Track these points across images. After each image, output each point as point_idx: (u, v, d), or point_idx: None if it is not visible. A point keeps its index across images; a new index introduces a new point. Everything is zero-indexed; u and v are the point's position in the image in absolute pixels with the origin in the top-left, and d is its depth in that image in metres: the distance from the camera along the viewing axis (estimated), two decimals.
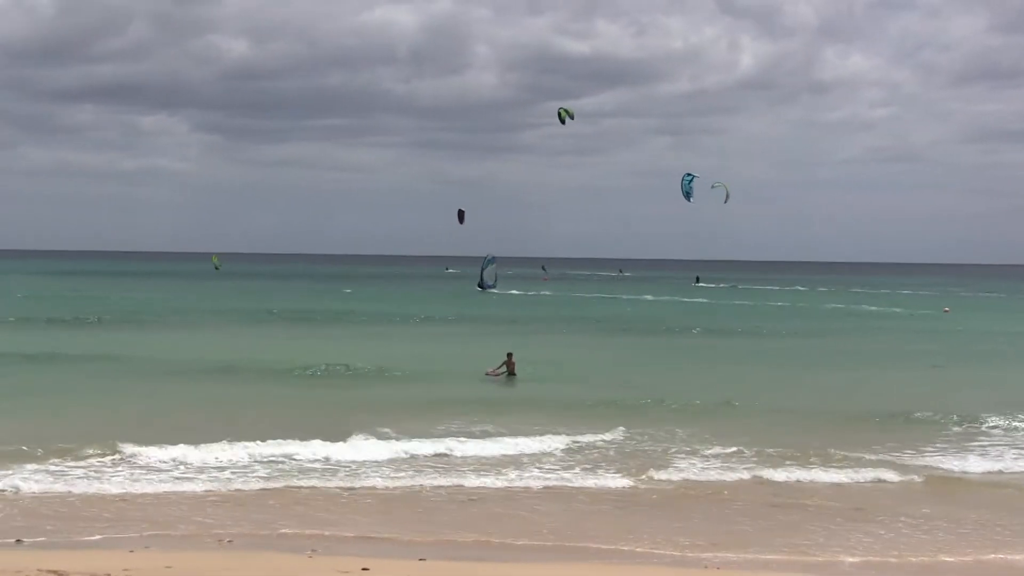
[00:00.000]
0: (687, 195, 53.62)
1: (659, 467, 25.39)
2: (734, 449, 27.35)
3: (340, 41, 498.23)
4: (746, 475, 24.80)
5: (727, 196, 55.68)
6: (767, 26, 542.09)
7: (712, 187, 55.83)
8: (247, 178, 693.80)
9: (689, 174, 53.78)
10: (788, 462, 25.99)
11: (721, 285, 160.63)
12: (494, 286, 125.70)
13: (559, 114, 57.88)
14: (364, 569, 16.07)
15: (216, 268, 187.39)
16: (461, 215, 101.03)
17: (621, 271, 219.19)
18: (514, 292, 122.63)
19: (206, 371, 41.39)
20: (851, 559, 18.56)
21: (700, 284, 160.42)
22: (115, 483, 22.74)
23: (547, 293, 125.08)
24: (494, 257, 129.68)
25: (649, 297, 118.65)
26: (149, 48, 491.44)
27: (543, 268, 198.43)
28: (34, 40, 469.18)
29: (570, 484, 23.90)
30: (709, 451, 27.23)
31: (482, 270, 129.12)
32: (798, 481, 24.47)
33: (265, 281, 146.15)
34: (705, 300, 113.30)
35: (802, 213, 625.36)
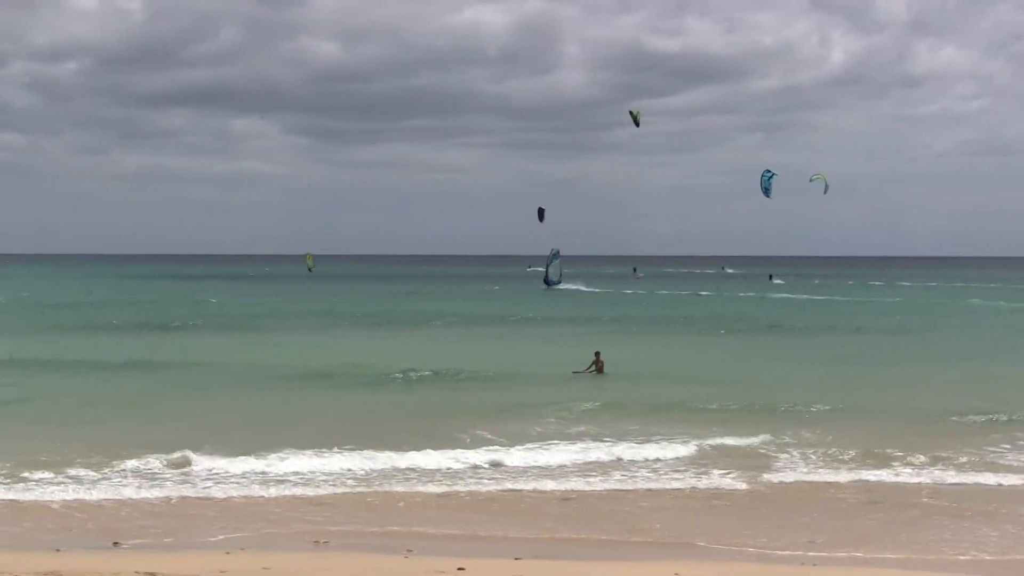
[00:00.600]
0: (766, 191, 53.33)
1: (760, 468, 25.09)
2: (837, 449, 26.95)
3: (430, 42, 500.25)
4: (850, 475, 24.35)
5: (826, 187, 55.07)
6: (858, 21, 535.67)
7: (811, 180, 55.26)
8: (338, 180, 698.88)
9: (768, 171, 53.59)
10: (894, 462, 25.48)
11: (816, 281, 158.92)
12: (559, 282, 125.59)
13: (633, 117, 57.48)
14: (460, 569, 15.93)
15: (309, 270, 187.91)
16: (541, 213, 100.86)
17: (724, 267, 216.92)
18: (582, 288, 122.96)
19: (301, 376, 41.45)
20: (961, 557, 18.14)
21: (775, 281, 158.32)
22: (210, 488, 22.81)
23: (631, 291, 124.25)
24: (558, 252, 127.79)
25: (751, 294, 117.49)
26: (240, 52, 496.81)
27: (634, 269, 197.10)
28: (126, 46, 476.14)
29: (667, 486, 23.63)
30: (812, 451, 26.82)
31: (547, 266, 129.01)
32: (904, 482, 23.93)
33: (356, 283, 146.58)
34: (800, 296, 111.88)
35: (895, 208, 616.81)
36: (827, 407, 33.34)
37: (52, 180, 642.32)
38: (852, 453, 26.44)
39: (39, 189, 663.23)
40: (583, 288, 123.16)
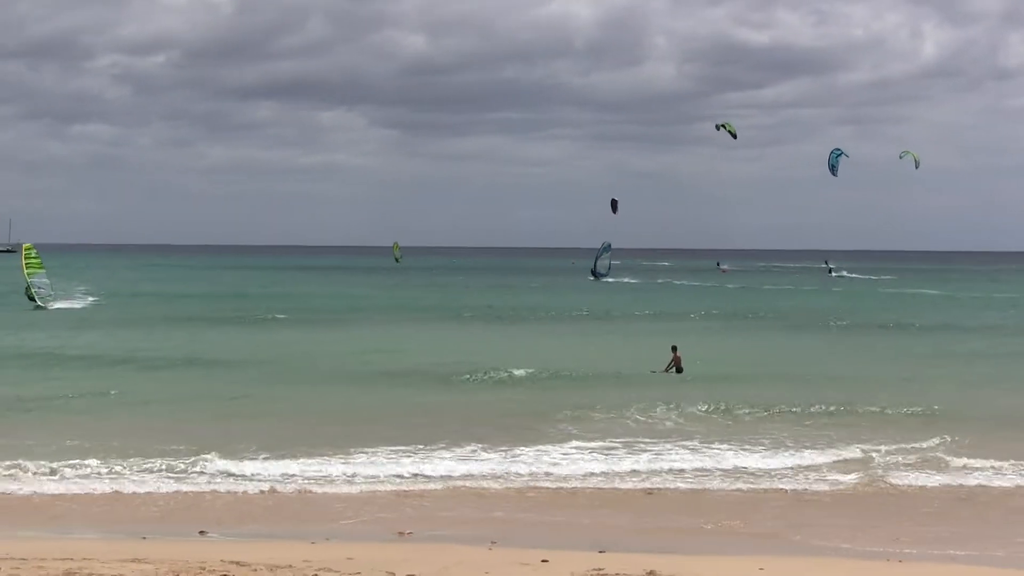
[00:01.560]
0: (832, 168, 52.88)
1: (852, 467, 24.83)
2: (928, 448, 26.73)
3: (517, 35, 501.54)
4: (944, 477, 23.91)
5: (917, 163, 54.47)
6: (949, 13, 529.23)
7: (900, 157, 54.66)
8: (424, 172, 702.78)
9: (837, 149, 53.24)
10: (989, 462, 25.01)
11: (921, 277, 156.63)
12: (607, 275, 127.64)
13: (729, 131, 57.12)
14: (544, 560, 15.85)
15: (397, 260, 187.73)
16: (614, 205, 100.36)
17: (827, 263, 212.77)
18: (627, 280, 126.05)
19: (389, 372, 41.31)
20: None
21: (838, 274, 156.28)
22: (295, 482, 22.95)
23: (713, 284, 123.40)
24: (610, 245, 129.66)
25: (838, 289, 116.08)
26: (327, 44, 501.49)
27: (718, 264, 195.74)
28: (214, 39, 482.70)
29: (753, 485, 23.52)
30: (904, 448, 26.46)
31: (596, 259, 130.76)
32: (999, 485, 23.47)
33: (442, 275, 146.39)
34: (899, 292, 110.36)
35: (989, 202, 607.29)
36: (920, 407, 32.68)
37: (139, 172, 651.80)
38: (949, 454, 25.97)
39: (126, 181, 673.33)
40: (631, 280, 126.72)
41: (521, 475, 23.58)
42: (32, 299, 72.36)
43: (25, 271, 73.56)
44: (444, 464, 24.31)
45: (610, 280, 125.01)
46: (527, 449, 25.82)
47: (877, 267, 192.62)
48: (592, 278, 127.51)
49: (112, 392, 34.30)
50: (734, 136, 57.47)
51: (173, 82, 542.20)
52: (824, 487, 22.99)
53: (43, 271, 75.41)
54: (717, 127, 58.53)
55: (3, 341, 49.52)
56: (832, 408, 32.28)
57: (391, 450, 25.33)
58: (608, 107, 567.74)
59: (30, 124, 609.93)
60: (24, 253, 74.77)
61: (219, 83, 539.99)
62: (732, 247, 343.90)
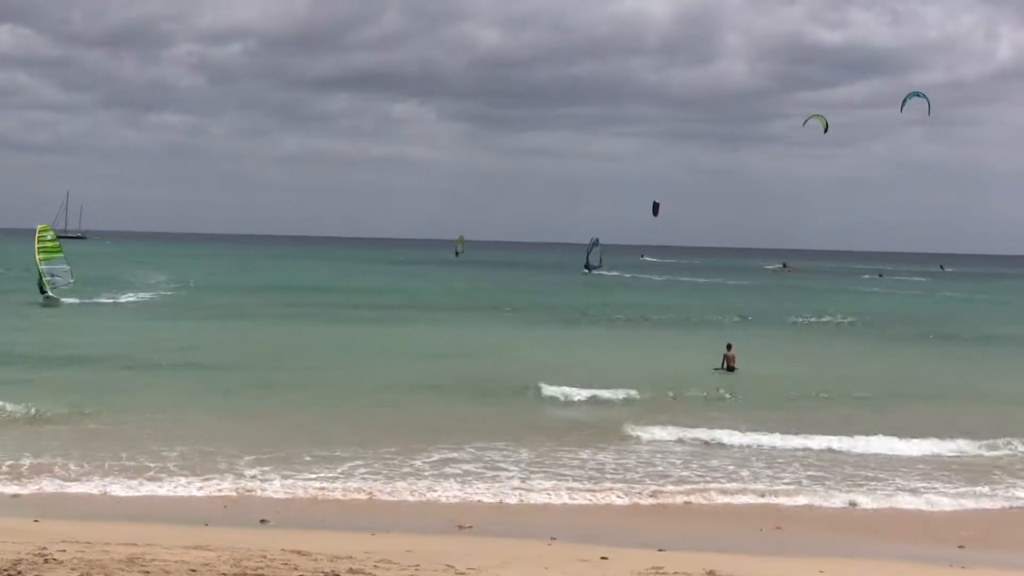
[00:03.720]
0: (905, 103, 52.84)
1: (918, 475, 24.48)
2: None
3: (591, 31, 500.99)
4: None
5: (825, 127, 54.71)
6: None
7: (804, 123, 54.87)
8: (495, 166, 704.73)
9: (919, 92, 53.42)
10: None
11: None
12: (599, 267, 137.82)
13: (821, 122, 56.82)
14: (603, 558, 15.83)
15: (457, 254, 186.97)
16: (656, 208, 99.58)
17: (943, 267, 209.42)
18: (616, 273, 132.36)
19: (456, 365, 41.44)
20: None
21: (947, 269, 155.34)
22: (357, 478, 23.08)
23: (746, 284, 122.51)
24: (598, 240, 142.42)
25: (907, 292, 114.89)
26: (402, 37, 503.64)
27: (783, 265, 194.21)
28: (290, 30, 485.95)
29: (814, 485, 23.21)
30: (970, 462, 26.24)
31: (587, 253, 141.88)
32: None
33: (498, 270, 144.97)
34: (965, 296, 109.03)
35: None
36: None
37: (213, 161, 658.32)
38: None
39: (200, 170, 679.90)
40: (624, 275, 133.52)
41: (582, 471, 23.59)
42: (43, 291, 63.37)
43: (38, 256, 63.97)
44: (512, 462, 24.38)
45: (604, 272, 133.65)
46: (582, 449, 25.85)
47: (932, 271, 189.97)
48: (585, 271, 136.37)
49: (182, 385, 34.60)
50: (825, 129, 57.11)
51: (248, 72, 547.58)
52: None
53: (61, 255, 65.80)
54: (806, 120, 58.17)
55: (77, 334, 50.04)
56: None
57: (452, 448, 25.46)
58: (680, 104, 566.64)
59: (107, 112, 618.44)
60: (37, 236, 64.93)
61: (294, 73, 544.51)
62: (800, 247, 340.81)
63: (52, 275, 64.52)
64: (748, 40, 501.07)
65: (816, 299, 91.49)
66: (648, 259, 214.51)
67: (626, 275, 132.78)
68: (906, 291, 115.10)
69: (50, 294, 63.52)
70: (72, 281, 66.43)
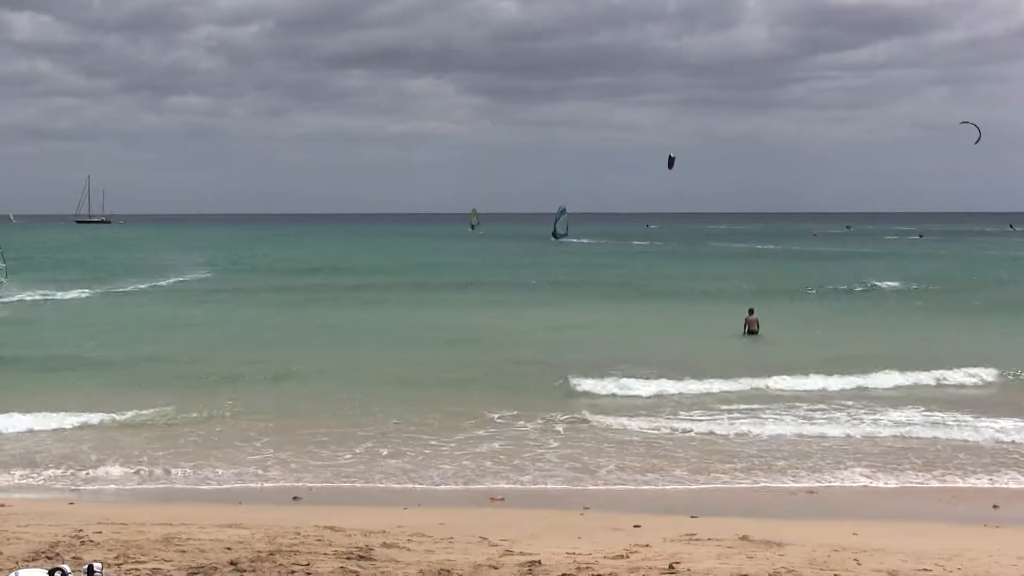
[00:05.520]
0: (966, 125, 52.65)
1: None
2: None
3: None
4: None
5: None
6: None
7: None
8: (514, 138, 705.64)
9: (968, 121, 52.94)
10: None
11: None
12: (566, 234, 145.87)
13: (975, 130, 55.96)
14: (635, 526, 15.84)
15: (472, 227, 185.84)
16: (671, 161, 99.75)
17: (1012, 226, 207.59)
18: (585, 240, 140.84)
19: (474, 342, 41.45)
20: None
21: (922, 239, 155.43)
22: (388, 455, 23.16)
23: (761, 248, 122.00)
24: (564, 208, 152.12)
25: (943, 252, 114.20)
26: (418, 12, 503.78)
27: (814, 234, 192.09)
28: (307, 8, 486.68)
29: (861, 443, 23.27)
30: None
31: (555, 221, 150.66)
32: None
33: (512, 243, 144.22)
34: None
35: None
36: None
37: (234, 142, 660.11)
38: None
39: (221, 151, 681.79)
40: (591, 241, 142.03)
41: (620, 440, 23.58)
42: None
43: None
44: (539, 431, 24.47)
45: (571, 240, 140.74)
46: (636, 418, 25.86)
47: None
48: (553, 239, 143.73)
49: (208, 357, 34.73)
50: (978, 135, 56.66)
51: (266, 52, 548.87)
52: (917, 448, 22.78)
53: None
54: (965, 123, 57.72)
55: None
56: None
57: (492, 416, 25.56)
58: (699, 71, 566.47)
59: (127, 97, 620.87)
60: None
61: (311, 52, 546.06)
62: (820, 210, 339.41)
63: None
64: (767, 4, 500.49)
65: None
66: (653, 227, 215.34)
67: (593, 242, 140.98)
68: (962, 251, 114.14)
69: None
70: (5, 281, 58.09)
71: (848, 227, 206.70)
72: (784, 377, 30.00)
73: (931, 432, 23.94)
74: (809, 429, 24.35)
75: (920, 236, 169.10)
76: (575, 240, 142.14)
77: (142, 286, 66.81)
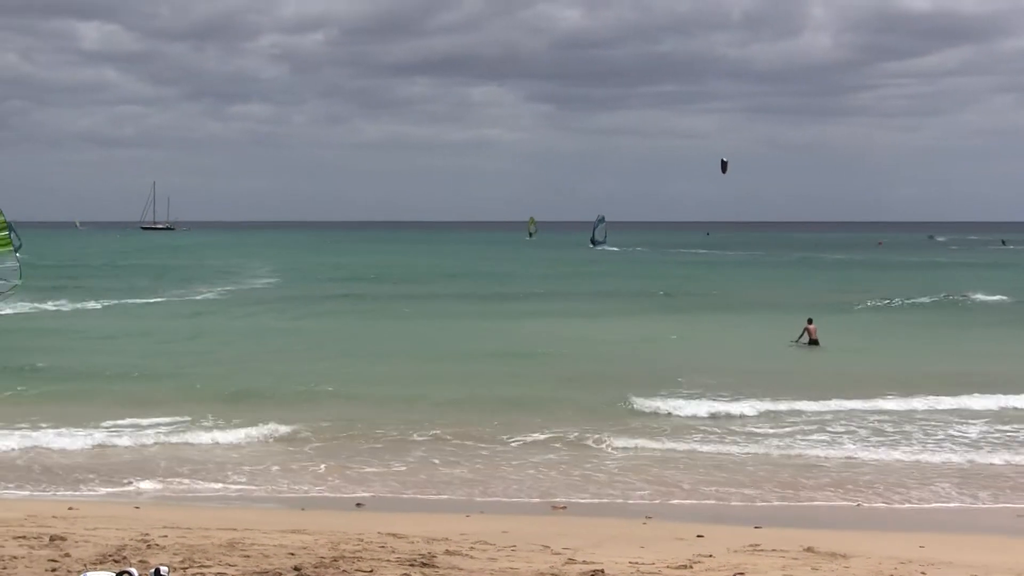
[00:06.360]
0: None
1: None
2: None
3: (673, 7, 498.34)
4: None
5: None
6: None
7: None
8: (576, 146, 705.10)
9: None
10: None
11: None
12: (604, 242, 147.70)
13: None
14: (699, 536, 15.75)
15: (530, 235, 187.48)
16: (724, 166, 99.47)
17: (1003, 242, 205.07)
18: (614, 249, 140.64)
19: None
20: None
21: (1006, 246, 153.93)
22: (452, 463, 23.24)
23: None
24: (603, 217, 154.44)
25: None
26: (481, 20, 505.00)
27: (879, 243, 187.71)
28: (370, 17, 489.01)
29: (931, 458, 23.06)
30: None
31: (594, 228, 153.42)
32: None
33: (567, 250, 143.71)
34: None
35: None
36: None
37: (296, 149, 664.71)
38: None
39: (283, 158, 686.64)
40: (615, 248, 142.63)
41: (682, 450, 23.55)
42: None
43: None
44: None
45: (609, 248, 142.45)
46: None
47: None
48: (591, 246, 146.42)
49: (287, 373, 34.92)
50: None
51: (330, 60, 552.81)
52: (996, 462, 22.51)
53: (9, 249, 53.54)
54: None
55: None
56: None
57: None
58: (763, 79, 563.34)
59: (191, 104, 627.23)
60: None
61: (374, 60, 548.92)
62: (887, 219, 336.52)
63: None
64: (833, 11, 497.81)
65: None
66: (711, 235, 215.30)
67: (630, 249, 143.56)
68: None
69: None
70: (19, 283, 56.01)
71: (930, 237, 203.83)
72: (851, 394, 29.32)
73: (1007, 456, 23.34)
74: (880, 452, 23.81)
75: (1004, 243, 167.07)
76: (614, 248, 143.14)
77: (209, 295, 67.21)
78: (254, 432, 24.46)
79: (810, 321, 40.64)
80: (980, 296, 63.42)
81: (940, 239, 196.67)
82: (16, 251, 50.29)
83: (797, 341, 40.21)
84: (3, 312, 49.30)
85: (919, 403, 28.23)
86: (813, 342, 39.98)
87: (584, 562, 13.63)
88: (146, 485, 20.34)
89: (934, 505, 19.42)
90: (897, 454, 23.13)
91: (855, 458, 22.81)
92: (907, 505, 19.42)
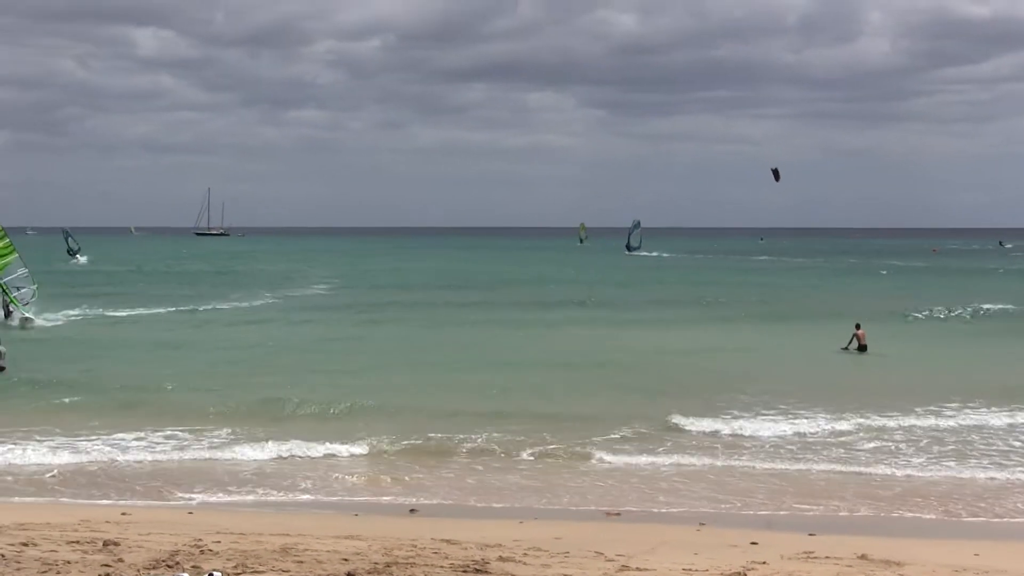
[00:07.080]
0: None
1: None
2: None
3: (729, 13, 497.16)
4: None
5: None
6: None
7: None
8: (632, 151, 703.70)
9: None
10: None
11: None
12: (639, 247, 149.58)
13: None
14: (752, 543, 15.66)
15: (581, 241, 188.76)
16: (776, 174, 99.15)
17: (1001, 243, 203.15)
18: (655, 254, 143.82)
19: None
20: None
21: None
22: (502, 470, 23.26)
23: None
24: (639, 222, 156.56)
25: None
26: (538, 26, 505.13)
27: (934, 250, 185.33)
28: (427, 23, 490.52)
29: (974, 474, 22.90)
30: None
31: (629, 234, 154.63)
32: None
33: (615, 256, 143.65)
34: None
35: None
36: None
37: (352, 155, 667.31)
38: None
39: (339, 164, 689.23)
40: (664, 255, 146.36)
41: (733, 456, 23.51)
42: (7, 312, 49.18)
43: None
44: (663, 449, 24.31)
45: (644, 253, 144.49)
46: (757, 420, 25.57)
47: None
48: (627, 251, 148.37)
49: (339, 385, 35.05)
50: None
51: (386, 66, 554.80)
52: None
53: (15, 256, 49.39)
54: None
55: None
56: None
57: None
58: (819, 84, 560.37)
59: (247, 111, 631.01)
60: None
61: (431, 66, 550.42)
62: (945, 225, 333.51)
63: (17, 287, 50.05)
64: (890, 16, 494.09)
65: None
66: (763, 241, 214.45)
67: (682, 255, 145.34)
68: None
69: (25, 314, 49.31)
70: (35, 287, 52.04)
71: (1001, 243, 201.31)
72: (906, 406, 28.72)
73: None
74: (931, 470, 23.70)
75: (1001, 244, 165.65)
76: (650, 254, 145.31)
77: (269, 299, 67.50)
78: (308, 442, 24.44)
79: (858, 326, 40.37)
80: None
81: (1008, 245, 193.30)
82: (75, 255, 52.24)
83: (847, 347, 39.90)
84: (57, 322, 50.19)
85: (973, 417, 27.60)
86: (862, 348, 39.75)
87: (637, 568, 13.60)
88: (199, 493, 20.46)
89: (991, 516, 19.24)
90: (958, 470, 22.49)
91: (915, 476, 22.20)
92: (962, 512, 19.25)
